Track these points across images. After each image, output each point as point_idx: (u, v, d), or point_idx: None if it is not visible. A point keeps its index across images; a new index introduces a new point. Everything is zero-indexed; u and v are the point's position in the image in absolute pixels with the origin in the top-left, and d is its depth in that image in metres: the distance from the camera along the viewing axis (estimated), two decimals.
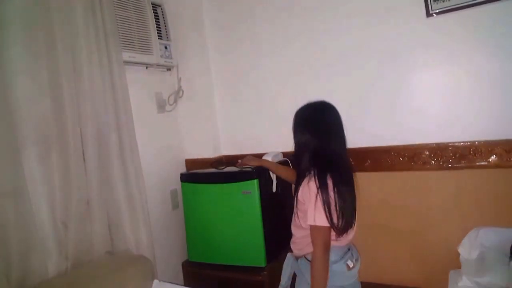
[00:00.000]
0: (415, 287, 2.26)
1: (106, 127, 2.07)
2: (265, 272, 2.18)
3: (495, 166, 2.04)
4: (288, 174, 2.15)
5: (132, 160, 2.17)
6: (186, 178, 2.41)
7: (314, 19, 2.45)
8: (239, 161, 2.32)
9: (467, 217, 2.13)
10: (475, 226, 2.05)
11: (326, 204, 1.60)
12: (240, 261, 2.25)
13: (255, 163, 2.26)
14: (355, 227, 1.75)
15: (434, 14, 2.11)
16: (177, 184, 2.55)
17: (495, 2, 1.97)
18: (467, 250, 2.01)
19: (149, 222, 2.25)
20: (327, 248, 1.63)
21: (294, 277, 1.87)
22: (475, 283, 1.82)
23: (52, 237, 1.84)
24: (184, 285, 2.28)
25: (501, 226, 2.00)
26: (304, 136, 1.73)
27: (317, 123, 1.74)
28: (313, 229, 1.64)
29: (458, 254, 2.04)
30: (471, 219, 2.10)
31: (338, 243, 1.70)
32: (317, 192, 1.61)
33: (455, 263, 2.03)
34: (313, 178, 1.65)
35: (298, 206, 1.73)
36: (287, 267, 1.86)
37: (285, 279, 1.85)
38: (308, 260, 1.72)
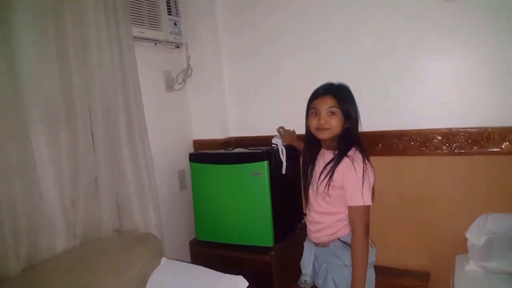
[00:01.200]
0: (422, 271, 2.28)
1: (115, 105, 2.03)
2: (272, 252, 2.18)
3: (508, 152, 2.04)
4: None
5: (140, 138, 2.15)
6: (195, 158, 2.38)
7: (331, 2, 2.40)
8: (278, 128, 2.38)
9: (476, 203, 2.13)
10: (484, 212, 2.06)
11: (371, 183, 1.65)
12: (248, 240, 2.26)
13: (286, 139, 2.29)
14: None
15: None
16: (184, 164, 2.54)
17: None
18: (475, 235, 2.02)
19: (157, 201, 2.24)
20: (368, 227, 1.66)
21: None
22: (482, 267, 1.85)
23: (60, 214, 1.84)
24: (192, 263, 2.29)
25: (511, 212, 2.00)
26: (355, 119, 1.72)
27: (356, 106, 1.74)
28: (360, 209, 1.63)
29: (466, 239, 2.04)
30: (480, 205, 2.11)
31: None
32: (364, 172, 1.62)
33: (462, 248, 2.04)
34: (357, 159, 1.64)
35: (330, 192, 1.69)
36: (310, 255, 1.84)
37: (310, 268, 1.83)
38: (343, 242, 1.71)
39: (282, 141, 2.28)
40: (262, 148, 2.26)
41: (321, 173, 1.72)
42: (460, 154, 2.14)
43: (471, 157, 2.13)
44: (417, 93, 2.23)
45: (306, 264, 1.85)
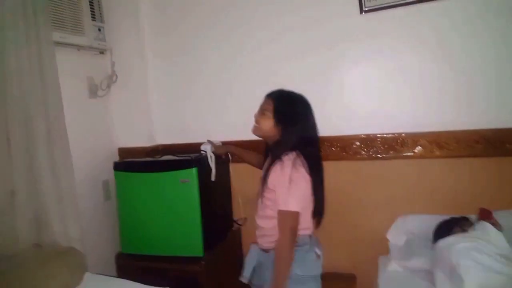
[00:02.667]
0: (349, 273, 2.36)
1: (33, 111, 1.93)
2: (202, 262, 2.15)
3: (420, 156, 2.20)
4: (252, 158, 2.14)
5: (61, 147, 2.05)
6: (120, 166, 2.31)
7: (253, 10, 2.48)
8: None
9: (395, 204, 2.26)
10: (403, 213, 2.19)
11: (301, 189, 1.65)
12: (177, 251, 2.21)
13: (222, 150, 2.27)
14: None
15: (366, 11, 2.22)
16: (109, 174, 2.45)
17: (422, 3, 2.12)
18: (395, 236, 2.14)
19: (79, 213, 2.13)
20: (294, 235, 1.65)
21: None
22: (403, 267, 1.95)
23: None
24: (118, 277, 2.19)
25: (427, 213, 2.14)
26: (287, 125, 1.75)
27: (298, 115, 1.78)
28: (283, 214, 1.64)
29: (387, 241, 2.15)
30: (399, 207, 2.24)
31: (306, 231, 1.75)
32: (292, 177, 1.63)
33: (385, 249, 2.13)
34: (287, 163, 1.66)
35: (266, 195, 1.72)
36: (252, 259, 1.84)
37: (249, 270, 1.83)
38: None
39: (214, 149, 2.26)
40: (190, 155, 2.24)
41: (262, 176, 1.76)
42: (378, 158, 2.28)
43: (388, 161, 2.27)
44: (336, 101, 2.35)
45: (247, 266, 1.85)
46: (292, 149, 1.72)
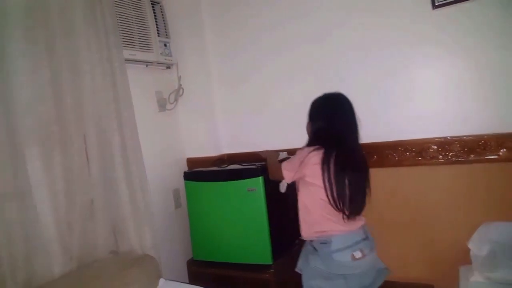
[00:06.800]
0: (426, 284, 2.23)
1: (108, 126, 2.05)
2: (271, 270, 2.15)
3: (506, 159, 2.01)
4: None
5: (135, 159, 2.15)
6: (189, 176, 2.38)
7: (317, 16, 2.43)
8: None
9: (476, 211, 2.09)
10: (485, 221, 2.02)
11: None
12: (246, 259, 2.23)
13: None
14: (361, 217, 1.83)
15: (440, 6, 2.08)
16: (179, 183, 2.54)
17: None
18: (477, 245, 1.97)
19: (153, 221, 2.23)
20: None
21: None
22: (487, 278, 1.80)
23: (57, 238, 1.83)
24: (190, 283, 2.26)
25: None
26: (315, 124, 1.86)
27: (323, 110, 1.87)
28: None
29: (468, 250, 2.00)
30: (481, 213, 2.07)
31: (341, 229, 1.75)
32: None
33: (465, 259, 1.99)
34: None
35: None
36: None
37: None
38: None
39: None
40: (256, 163, 2.25)
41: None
42: (457, 162, 2.12)
43: (468, 165, 2.10)
44: (411, 103, 2.23)
45: None
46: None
